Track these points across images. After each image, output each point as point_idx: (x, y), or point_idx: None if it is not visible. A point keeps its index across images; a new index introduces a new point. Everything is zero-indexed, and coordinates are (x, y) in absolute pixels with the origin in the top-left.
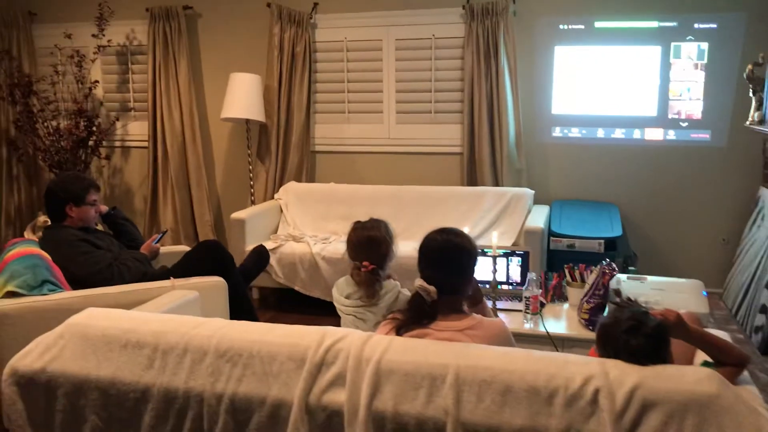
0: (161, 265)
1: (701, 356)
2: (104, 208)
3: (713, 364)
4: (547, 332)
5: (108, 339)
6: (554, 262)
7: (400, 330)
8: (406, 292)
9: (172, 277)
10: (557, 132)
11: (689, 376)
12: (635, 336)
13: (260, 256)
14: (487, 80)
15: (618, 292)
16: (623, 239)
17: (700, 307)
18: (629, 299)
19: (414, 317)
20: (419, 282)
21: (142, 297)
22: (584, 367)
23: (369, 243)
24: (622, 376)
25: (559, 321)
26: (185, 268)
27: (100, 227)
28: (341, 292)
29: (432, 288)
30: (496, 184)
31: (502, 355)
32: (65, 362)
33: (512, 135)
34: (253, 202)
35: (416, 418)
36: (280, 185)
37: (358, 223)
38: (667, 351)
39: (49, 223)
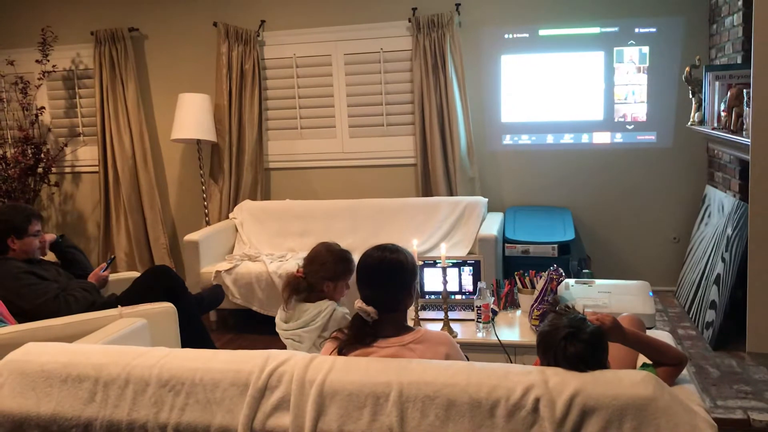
0: (111, 293)
1: (644, 358)
2: (51, 237)
3: (653, 365)
4: (499, 340)
5: (47, 374)
6: (510, 269)
7: (342, 350)
8: (344, 310)
9: (120, 305)
10: (507, 140)
11: (626, 380)
12: (573, 343)
13: (215, 291)
14: (436, 91)
15: (556, 300)
16: (576, 243)
17: (647, 308)
18: (567, 306)
19: (356, 338)
20: (358, 304)
21: (89, 327)
22: (525, 377)
23: (312, 258)
24: (562, 384)
25: (512, 328)
26: (134, 295)
27: (49, 256)
28: (281, 318)
29: (371, 309)
30: (451, 193)
31: (444, 370)
32: (4, 400)
33: (464, 144)
34: (208, 223)
35: None
36: (235, 204)
37: (325, 242)
38: (605, 356)
39: None
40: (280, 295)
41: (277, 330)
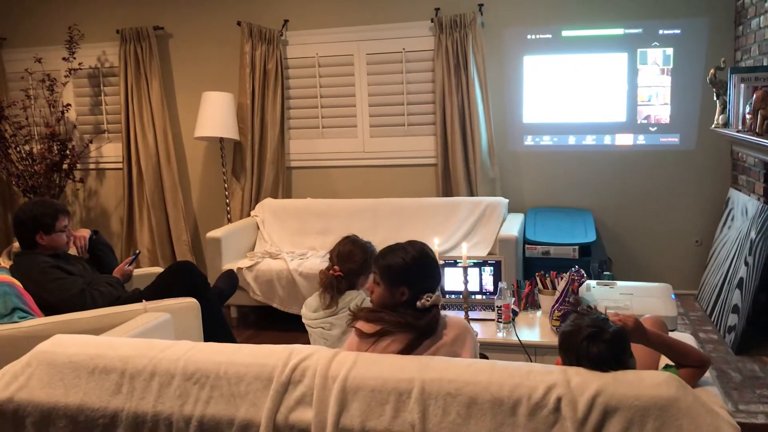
0: (135, 287)
1: (666, 359)
2: (86, 232)
3: (675, 367)
4: (520, 341)
5: (75, 365)
6: (530, 270)
7: (414, 347)
8: None
9: (144, 300)
10: (529, 140)
11: (648, 381)
12: (595, 343)
13: (230, 278)
14: (458, 91)
15: (578, 300)
16: (598, 245)
17: (669, 310)
18: (589, 307)
19: (427, 330)
20: (427, 297)
21: (114, 321)
22: (546, 376)
23: (345, 256)
24: (584, 384)
25: (532, 329)
26: (158, 290)
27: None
28: (309, 308)
29: (437, 294)
30: (471, 194)
31: (466, 368)
32: (33, 391)
33: (485, 145)
34: (229, 220)
35: None
36: (256, 202)
37: (349, 236)
38: (627, 356)
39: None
40: (300, 293)
41: (304, 321)
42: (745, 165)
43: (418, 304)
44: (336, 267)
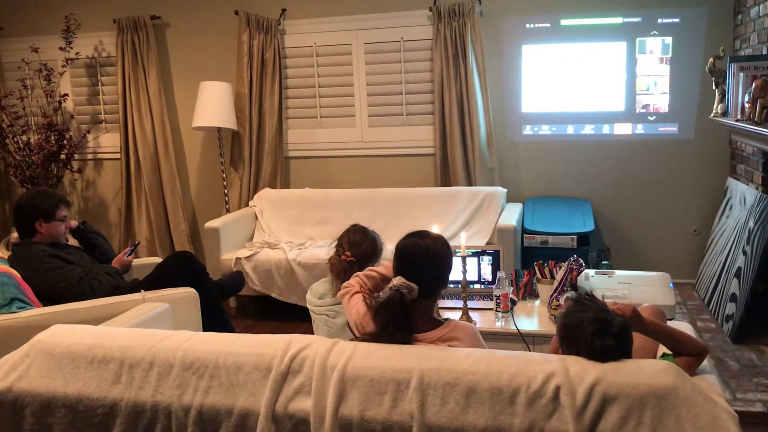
0: (134, 277)
1: (664, 348)
2: (74, 223)
3: (673, 356)
4: (518, 330)
5: (74, 356)
6: (529, 259)
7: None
8: None
9: (143, 290)
10: (528, 130)
11: (647, 370)
12: (603, 338)
13: (236, 277)
14: (456, 81)
15: (575, 288)
16: (596, 234)
17: (667, 299)
18: (587, 294)
19: (396, 322)
20: (400, 279)
21: (113, 311)
22: (545, 365)
23: (356, 243)
24: (582, 373)
25: (531, 318)
26: (157, 280)
27: (71, 241)
28: (315, 294)
29: (414, 285)
30: (469, 183)
31: (465, 357)
32: (32, 381)
33: (483, 134)
34: (227, 210)
35: (382, 423)
36: (255, 192)
37: (357, 225)
38: (630, 347)
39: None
40: (299, 282)
41: (309, 306)
42: (743, 154)
43: (379, 293)
44: (348, 252)
